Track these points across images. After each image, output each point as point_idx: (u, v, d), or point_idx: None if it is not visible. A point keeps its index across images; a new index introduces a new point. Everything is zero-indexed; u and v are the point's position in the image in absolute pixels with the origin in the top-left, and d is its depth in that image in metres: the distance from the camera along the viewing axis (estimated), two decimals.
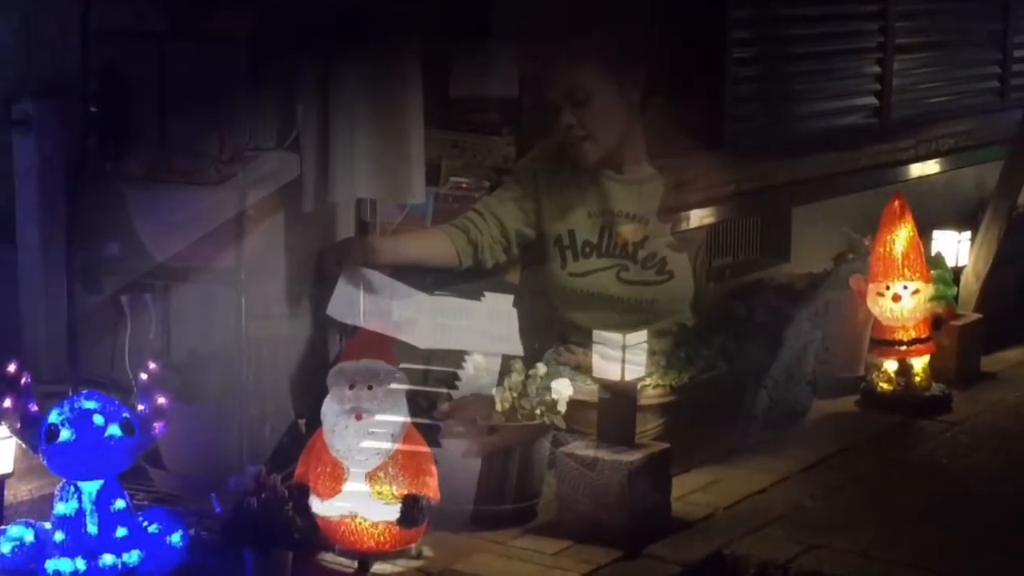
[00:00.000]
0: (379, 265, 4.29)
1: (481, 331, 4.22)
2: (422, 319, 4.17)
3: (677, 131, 4.74)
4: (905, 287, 4.79)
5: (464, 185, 4.81)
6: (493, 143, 4.87)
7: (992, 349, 5.44)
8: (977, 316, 5.31)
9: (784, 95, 5.64)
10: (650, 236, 4.54)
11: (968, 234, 5.39)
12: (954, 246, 5.32)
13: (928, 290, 4.85)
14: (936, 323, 4.95)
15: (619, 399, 3.76)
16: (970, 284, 5.38)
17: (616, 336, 3.74)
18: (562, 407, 3.83)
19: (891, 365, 4.85)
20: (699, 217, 5.03)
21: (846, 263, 5.14)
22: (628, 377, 3.74)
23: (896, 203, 4.88)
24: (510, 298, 4.33)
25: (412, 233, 4.59)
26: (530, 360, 4.05)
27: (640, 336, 3.78)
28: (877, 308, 4.84)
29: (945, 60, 6.55)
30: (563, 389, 3.84)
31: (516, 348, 4.14)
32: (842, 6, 5.90)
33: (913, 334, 4.85)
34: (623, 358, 3.72)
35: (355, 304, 4.16)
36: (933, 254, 5.15)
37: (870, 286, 4.85)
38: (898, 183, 5.85)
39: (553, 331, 4.51)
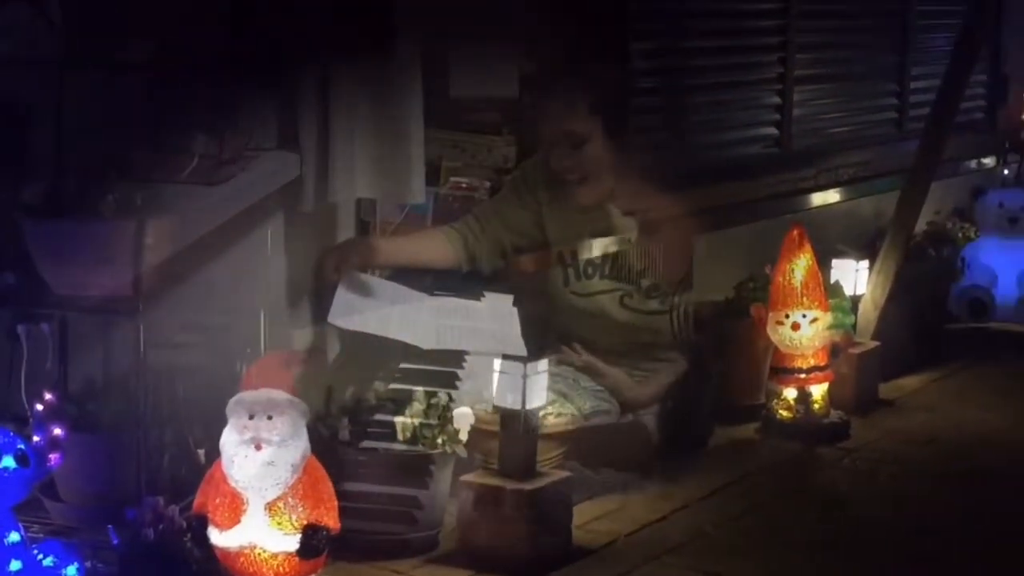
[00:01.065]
0: (379, 266, 4.34)
1: (481, 331, 4.25)
2: (422, 320, 4.20)
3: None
4: (804, 316, 4.85)
5: (464, 185, 4.88)
6: (493, 143, 4.95)
7: (890, 376, 5.53)
8: (875, 344, 5.40)
9: (686, 125, 5.71)
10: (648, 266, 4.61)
11: (866, 263, 5.47)
12: (852, 275, 5.39)
13: (827, 318, 4.91)
14: (834, 351, 5.02)
15: (520, 427, 3.77)
16: (868, 312, 5.46)
17: (517, 363, 3.75)
18: (464, 435, 3.84)
19: (791, 393, 4.90)
20: (603, 245, 5.03)
21: (747, 291, 5.20)
22: (530, 405, 3.76)
23: (795, 232, 4.94)
24: (510, 298, 4.38)
25: (412, 235, 4.62)
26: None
27: (542, 364, 3.79)
28: (777, 336, 4.90)
29: (844, 91, 6.66)
30: (464, 417, 3.84)
31: (517, 348, 4.17)
32: (743, 38, 5.98)
33: (812, 362, 4.91)
34: (524, 386, 3.74)
35: (356, 310, 4.18)
36: (832, 283, 5.21)
37: (770, 315, 4.91)
38: (798, 212, 5.94)
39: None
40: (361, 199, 4.41)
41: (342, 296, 4.18)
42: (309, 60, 4.08)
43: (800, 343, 4.87)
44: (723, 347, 4.96)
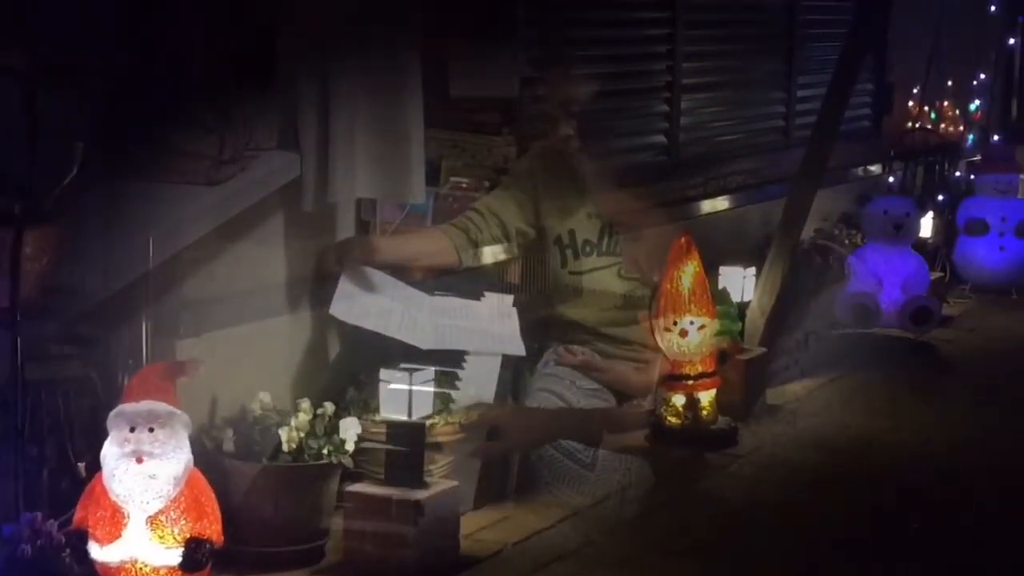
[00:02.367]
0: (379, 265, 4.39)
1: (481, 331, 4.33)
2: (423, 319, 4.25)
3: None
4: (692, 322, 4.87)
5: (464, 185, 4.97)
6: (493, 143, 5.05)
7: (777, 382, 5.58)
8: (762, 350, 5.44)
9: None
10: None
11: (753, 270, 5.52)
12: (739, 282, 5.43)
13: (714, 325, 4.94)
14: (722, 358, 5.05)
15: (406, 437, 3.75)
16: (755, 319, 5.51)
17: (402, 374, 3.73)
18: (350, 446, 3.81)
19: (679, 399, 4.93)
20: (492, 254, 5.03)
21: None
22: (415, 415, 3.74)
23: (683, 240, 4.96)
24: (510, 298, 4.48)
25: (412, 233, 4.71)
26: (531, 360, 4.31)
27: (427, 374, 3.78)
28: (665, 343, 4.92)
29: (732, 100, 6.72)
30: (351, 428, 3.82)
31: (517, 348, 4.29)
32: (632, 47, 6.01)
33: (700, 369, 4.93)
34: (410, 396, 3.72)
35: (357, 304, 4.23)
36: (719, 289, 5.25)
37: (657, 322, 4.92)
38: (687, 220, 5.97)
39: (553, 332, 4.67)
40: (361, 199, 4.46)
41: (343, 290, 4.24)
42: (309, 60, 4.12)
43: (688, 350, 4.89)
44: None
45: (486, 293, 4.50)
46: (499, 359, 4.32)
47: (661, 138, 6.19)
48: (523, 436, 4.42)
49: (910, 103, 8.37)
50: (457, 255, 4.64)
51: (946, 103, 8.66)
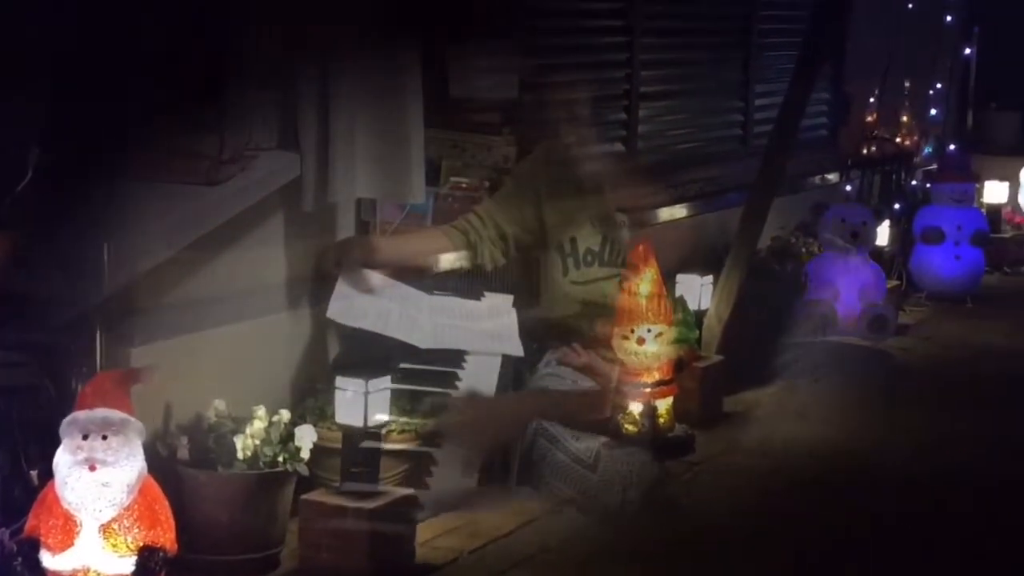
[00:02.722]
0: (379, 265, 4.44)
1: (481, 331, 4.39)
2: (422, 319, 4.30)
3: None
4: (649, 330, 4.87)
5: (464, 185, 4.99)
6: (493, 143, 5.08)
7: (734, 390, 5.59)
8: (719, 358, 5.45)
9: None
10: None
11: (710, 278, 5.53)
12: (697, 290, 5.44)
13: (671, 333, 4.94)
14: (679, 365, 5.05)
15: (362, 444, 3.74)
16: (712, 327, 5.52)
17: (358, 381, 3.72)
18: (305, 454, 3.80)
19: (636, 407, 4.92)
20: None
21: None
22: (371, 422, 3.73)
23: (640, 248, 4.97)
24: (510, 298, 4.55)
25: (412, 233, 4.74)
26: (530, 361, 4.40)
27: (383, 381, 3.77)
28: (622, 351, 4.92)
29: (689, 108, 6.74)
30: (306, 435, 3.81)
31: (516, 348, 4.36)
32: (589, 54, 6.02)
33: (657, 376, 4.94)
34: (366, 403, 3.71)
35: (355, 306, 4.28)
36: (676, 297, 5.25)
37: (615, 330, 4.92)
38: (644, 227, 5.97)
39: (552, 340, 4.71)
40: (361, 199, 4.49)
41: (341, 292, 4.28)
42: (309, 60, 4.16)
43: (645, 357, 4.89)
44: None
45: (486, 293, 4.56)
46: (499, 359, 4.39)
47: (619, 146, 6.18)
48: (495, 427, 4.42)
49: (867, 113, 8.41)
50: (458, 255, 4.72)
51: (903, 113, 8.71)
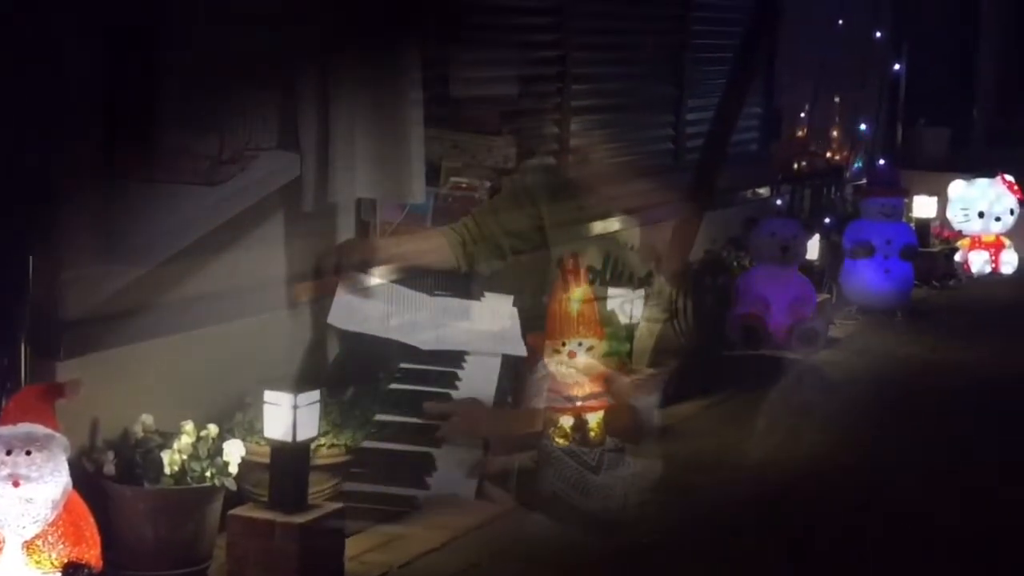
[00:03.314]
0: (378, 267, 4.53)
1: (481, 332, 4.47)
2: (422, 321, 4.37)
3: None
4: (580, 344, 4.87)
5: (464, 185, 5.05)
6: (493, 143, 5.17)
7: (666, 403, 5.59)
8: (651, 371, 5.45)
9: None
10: (655, 272, 5.05)
11: (642, 292, 5.53)
12: (628, 304, 5.43)
13: (602, 346, 4.94)
14: (610, 379, 5.04)
15: (291, 459, 3.72)
16: (644, 340, 5.52)
17: (287, 395, 3.70)
18: (233, 469, 3.77)
19: (567, 421, 4.91)
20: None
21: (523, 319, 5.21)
22: (300, 437, 3.71)
23: (571, 260, 4.96)
24: (510, 298, 4.61)
25: (412, 235, 4.82)
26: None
27: (312, 396, 3.75)
28: (553, 365, 4.91)
29: (620, 122, 6.75)
30: (234, 451, 3.78)
31: (517, 349, 4.42)
32: (520, 68, 6.02)
33: (588, 390, 4.93)
34: (294, 418, 3.69)
35: (355, 311, 4.36)
36: (608, 311, 5.25)
37: (546, 343, 4.92)
38: (575, 241, 5.97)
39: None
40: (361, 199, 4.54)
41: (341, 297, 4.35)
42: (309, 60, 4.22)
43: (576, 371, 4.88)
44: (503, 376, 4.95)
45: (486, 294, 4.64)
46: (499, 359, 4.49)
47: (551, 160, 6.18)
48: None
49: (798, 128, 8.47)
50: (455, 261, 4.82)
51: (833, 128, 8.78)
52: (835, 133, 8.76)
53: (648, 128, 7.08)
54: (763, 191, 8.00)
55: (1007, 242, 9.20)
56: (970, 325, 7.64)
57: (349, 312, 4.38)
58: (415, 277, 4.69)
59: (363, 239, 4.62)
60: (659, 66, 7.17)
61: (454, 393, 4.51)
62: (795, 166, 8.19)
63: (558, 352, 4.88)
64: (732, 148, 6.43)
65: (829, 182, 8.37)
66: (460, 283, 4.78)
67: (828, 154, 8.60)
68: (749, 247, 6.92)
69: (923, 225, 8.65)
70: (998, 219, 9.12)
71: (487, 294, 4.62)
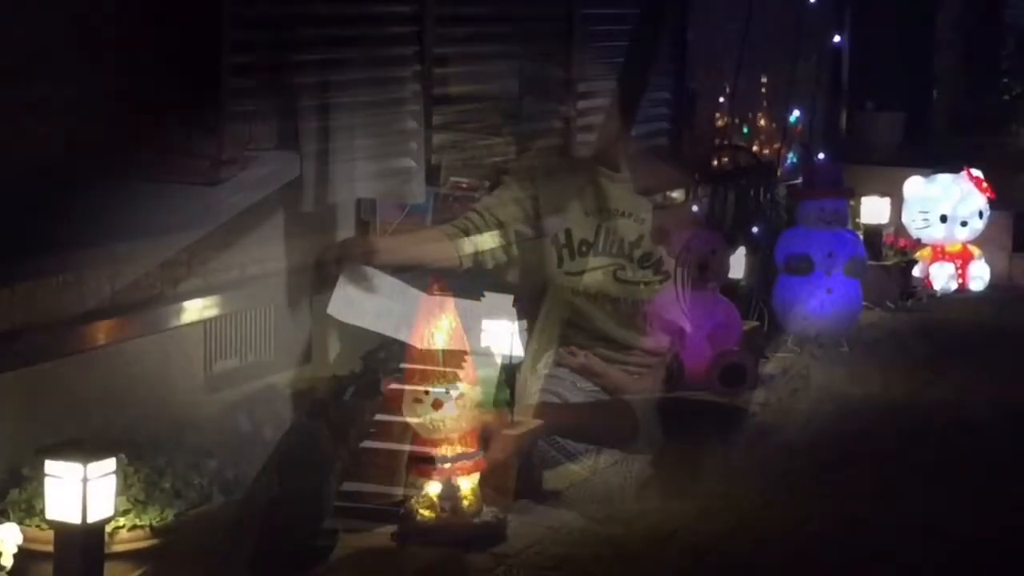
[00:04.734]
0: (379, 266, 5.42)
1: (481, 331, 5.18)
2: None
3: None
4: (448, 391, 4.89)
5: (464, 185, 6.10)
6: (493, 143, 6.30)
7: (555, 461, 5.62)
8: (538, 422, 5.46)
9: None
10: (645, 235, 6.09)
11: (524, 323, 5.55)
12: (507, 338, 5.44)
13: (475, 393, 4.97)
14: (487, 434, 5.07)
15: (80, 546, 3.70)
16: (528, 384, 5.56)
17: (75, 465, 3.68)
18: (8, 560, 3.74)
19: (434, 487, 4.94)
20: (198, 309, 5.05)
21: (377, 361, 5.24)
22: (92, 518, 3.69)
23: (435, 287, 4.99)
24: (510, 298, 5.34)
25: (412, 233, 5.79)
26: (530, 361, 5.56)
27: (106, 465, 3.73)
28: (415, 417, 4.93)
29: (496, 114, 6.77)
30: (8, 537, 3.75)
31: (516, 348, 5.21)
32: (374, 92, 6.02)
33: (459, 448, 4.96)
34: (84, 493, 3.67)
35: (355, 304, 5.27)
36: (482, 348, 5.28)
37: (406, 390, 4.93)
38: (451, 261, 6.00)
39: (552, 333, 5.79)
40: (361, 199, 5.59)
41: (341, 290, 5.26)
42: (310, 60, 5.23)
43: (444, 425, 4.91)
44: (348, 434, 4.96)
45: (486, 293, 5.37)
46: (499, 359, 5.20)
47: (409, 162, 6.19)
48: None
49: (716, 115, 8.54)
50: (457, 256, 5.77)
51: (760, 115, 8.87)
52: (763, 121, 8.85)
53: (530, 120, 7.08)
54: (675, 195, 8.04)
55: (976, 252, 9.38)
56: (933, 356, 7.75)
57: (348, 306, 5.26)
58: (415, 275, 5.50)
59: (363, 237, 5.60)
60: (541, 44, 7.18)
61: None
62: (714, 163, 8.25)
63: (420, 402, 4.90)
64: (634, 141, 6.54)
65: (757, 182, 8.41)
66: (461, 280, 5.51)
67: (755, 147, 8.67)
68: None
69: (873, 233, 8.79)
70: (964, 224, 9.30)
71: (487, 294, 5.33)
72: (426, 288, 5.02)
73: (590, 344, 5.91)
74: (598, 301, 5.99)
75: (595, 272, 5.98)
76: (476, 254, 5.78)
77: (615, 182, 6.12)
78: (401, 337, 5.05)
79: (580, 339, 5.90)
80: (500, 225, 5.84)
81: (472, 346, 4.96)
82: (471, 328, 5.08)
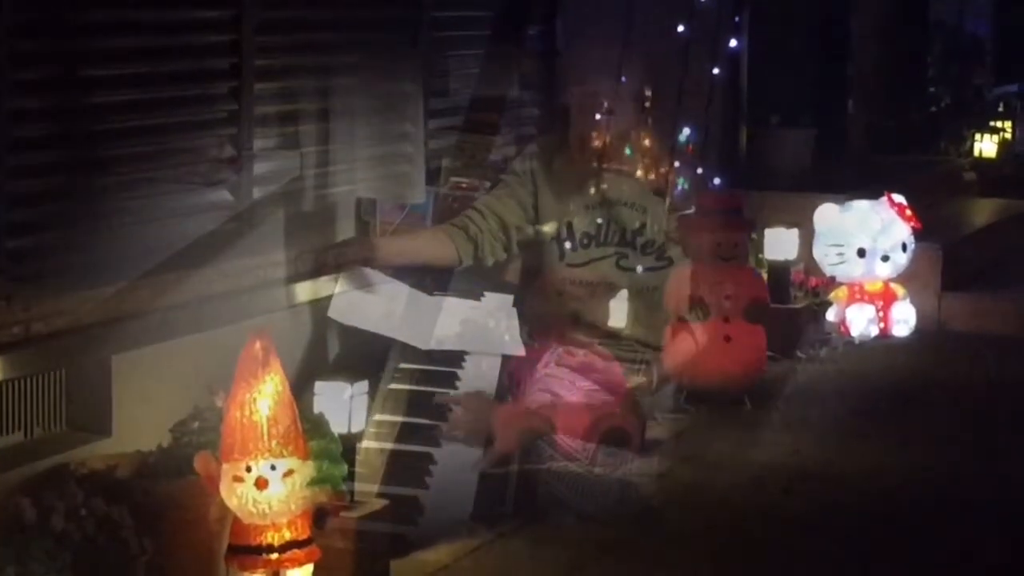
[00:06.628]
0: (380, 265, 6.31)
1: (481, 331, 6.04)
2: (422, 319, 5.98)
3: None
4: (274, 467, 4.88)
5: (464, 185, 7.08)
6: (493, 143, 7.22)
7: (405, 550, 5.62)
8: (383, 503, 5.46)
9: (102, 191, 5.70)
10: (648, 223, 7.39)
11: (365, 385, 5.56)
12: (345, 403, 5.45)
13: (307, 469, 4.96)
14: (320, 517, 5.06)
15: None
16: (371, 457, 5.57)
17: None
18: None
19: None
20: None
21: (190, 433, 5.21)
22: None
23: (257, 346, 4.97)
24: (510, 298, 6.31)
25: (412, 233, 6.76)
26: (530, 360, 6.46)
27: None
28: (235, 499, 4.91)
29: (328, 137, 6.81)
30: None
31: (517, 348, 6.13)
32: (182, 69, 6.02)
33: (288, 535, 4.95)
34: None
35: (356, 305, 6.06)
36: (314, 415, 5.26)
37: (224, 467, 4.91)
38: (271, 312, 6.01)
39: (552, 327, 6.54)
40: (361, 199, 6.46)
41: (342, 292, 6.06)
42: (310, 60, 6.09)
43: (269, 507, 4.90)
44: (154, 520, 4.94)
45: (486, 293, 6.30)
46: (499, 359, 6.09)
47: (227, 196, 6.18)
48: None
49: (592, 135, 8.55)
50: (457, 254, 6.88)
51: (643, 133, 8.91)
52: (647, 141, 8.89)
53: (371, 142, 7.08)
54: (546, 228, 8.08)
55: (900, 291, 9.47)
56: (851, 414, 7.83)
57: (349, 307, 6.06)
58: (416, 273, 6.44)
59: (363, 236, 6.44)
60: (387, 57, 7.18)
61: (453, 392, 6.17)
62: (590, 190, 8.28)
63: (240, 480, 4.88)
64: (494, 165, 6.75)
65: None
66: (461, 279, 6.57)
67: (639, 171, 8.70)
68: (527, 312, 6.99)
69: (779, 270, 8.83)
70: (886, 258, 9.38)
71: (487, 293, 6.08)
72: (426, 288, 5.93)
73: (589, 335, 6.83)
74: (601, 290, 7.27)
75: (598, 262, 7.35)
76: (476, 251, 6.95)
77: (615, 173, 7.47)
78: (402, 338, 5.92)
79: (578, 330, 6.88)
80: (500, 222, 7.07)
81: (472, 344, 5.82)
82: (471, 330, 5.81)
